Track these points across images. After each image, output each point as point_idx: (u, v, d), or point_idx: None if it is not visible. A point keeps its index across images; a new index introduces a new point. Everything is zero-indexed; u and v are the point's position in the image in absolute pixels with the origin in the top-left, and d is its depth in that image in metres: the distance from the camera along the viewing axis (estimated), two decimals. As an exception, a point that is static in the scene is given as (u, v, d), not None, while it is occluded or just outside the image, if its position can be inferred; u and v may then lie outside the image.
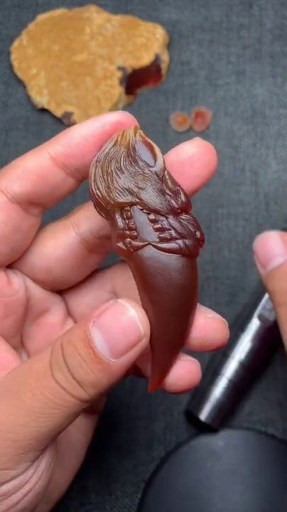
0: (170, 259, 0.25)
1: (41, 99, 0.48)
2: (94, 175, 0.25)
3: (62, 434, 0.32)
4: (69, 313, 0.32)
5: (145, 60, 0.49)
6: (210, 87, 0.49)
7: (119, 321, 0.24)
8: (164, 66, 0.49)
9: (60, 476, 0.31)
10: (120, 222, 0.25)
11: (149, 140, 0.25)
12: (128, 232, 0.24)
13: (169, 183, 0.25)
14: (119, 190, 0.24)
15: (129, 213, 0.24)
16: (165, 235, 0.24)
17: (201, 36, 0.51)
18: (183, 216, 0.25)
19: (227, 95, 0.49)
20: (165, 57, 0.49)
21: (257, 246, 0.33)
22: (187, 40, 0.50)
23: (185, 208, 0.25)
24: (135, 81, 0.49)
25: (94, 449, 0.39)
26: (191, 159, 0.26)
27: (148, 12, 0.51)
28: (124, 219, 0.25)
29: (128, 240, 0.24)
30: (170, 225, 0.24)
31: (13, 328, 0.30)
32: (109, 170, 0.25)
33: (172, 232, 0.24)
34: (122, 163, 0.25)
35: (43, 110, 0.49)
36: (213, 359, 0.42)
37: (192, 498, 0.37)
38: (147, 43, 0.49)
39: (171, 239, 0.24)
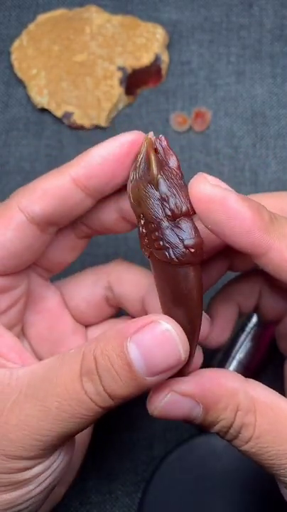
0: (166, 268, 0.25)
1: (41, 100, 0.48)
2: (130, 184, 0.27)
3: None
4: (66, 306, 0.33)
5: (146, 60, 0.49)
6: (210, 87, 0.49)
7: (159, 341, 0.24)
8: (164, 66, 0.49)
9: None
10: (139, 228, 0.26)
11: (150, 149, 0.26)
12: (142, 238, 0.26)
13: (163, 189, 0.25)
14: (134, 201, 0.26)
15: (142, 221, 0.26)
16: (159, 243, 0.25)
17: (201, 36, 0.51)
18: (181, 222, 0.25)
19: (227, 95, 0.49)
20: (165, 58, 0.49)
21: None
22: (187, 41, 0.50)
23: (176, 214, 0.25)
24: (135, 81, 0.49)
25: (94, 449, 0.39)
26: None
27: (148, 12, 0.51)
28: (139, 227, 0.26)
29: (144, 244, 0.26)
30: (161, 234, 0.25)
31: (17, 317, 0.31)
32: (132, 183, 0.26)
33: (162, 241, 0.25)
34: (138, 177, 0.26)
35: (43, 110, 0.49)
36: (213, 359, 0.42)
37: (192, 498, 0.37)
38: (147, 43, 0.49)
39: (161, 248, 0.25)
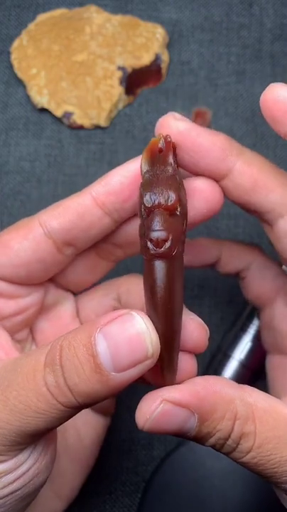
0: (144, 264, 0.25)
1: (41, 99, 0.48)
2: None
3: (71, 431, 0.32)
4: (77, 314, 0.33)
5: (146, 59, 0.49)
6: (210, 87, 0.49)
7: (128, 334, 0.23)
8: (164, 66, 0.49)
9: (69, 470, 0.31)
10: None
11: (147, 149, 0.26)
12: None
13: (143, 186, 0.25)
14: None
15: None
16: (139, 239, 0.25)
17: (201, 36, 0.51)
18: (153, 215, 0.24)
19: (227, 95, 0.49)
20: (165, 57, 0.49)
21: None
22: (188, 40, 0.50)
23: (148, 208, 0.24)
24: (135, 81, 0.49)
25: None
26: (192, 190, 0.27)
27: (148, 12, 0.51)
28: None
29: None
30: (138, 229, 0.25)
31: (23, 323, 0.31)
32: None
33: (139, 236, 0.25)
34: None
35: (43, 110, 0.49)
36: (213, 359, 0.42)
37: (192, 498, 0.37)
38: (147, 42, 0.49)
39: (139, 243, 0.25)
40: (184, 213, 0.25)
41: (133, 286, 0.32)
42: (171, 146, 0.26)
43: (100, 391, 0.23)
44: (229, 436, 0.24)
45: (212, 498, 0.37)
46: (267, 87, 0.26)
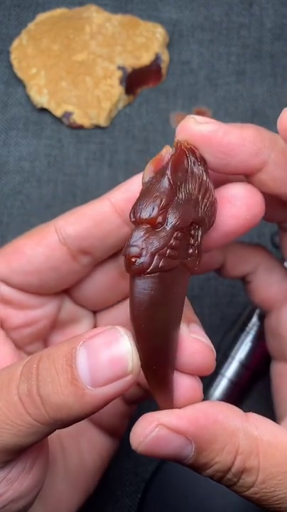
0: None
1: (41, 99, 0.48)
2: None
3: (73, 452, 0.30)
4: None
5: (146, 59, 0.49)
6: (210, 87, 0.49)
7: (110, 349, 0.22)
8: (164, 66, 0.49)
9: (68, 493, 0.30)
10: None
11: (152, 159, 0.24)
12: None
13: (139, 197, 0.24)
14: None
15: None
16: None
17: (201, 36, 0.50)
18: (135, 228, 0.23)
19: (227, 95, 0.49)
20: (165, 57, 0.49)
21: None
22: (188, 40, 0.50)
23: (133, 221, 0.23)
24: (135, 81, 0.49)
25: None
26: (232, 197, 0.25)
27: (148, 11, 0.51)
28: None
29: None
30: None
31: (33, 335, 0.29)
32: None
33: None
34: None
35: (43, 110, 0.49)
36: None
37: (192, 498, 0.37)
38: (147, 42, 0.49)
39: None
40: (178, 226, 0.23)
41: None
42: (183, 154, 0.24)
43: (73, 406, 0.21)
44: (229, 469, 0.23)
45: (212, 498, 0.37)
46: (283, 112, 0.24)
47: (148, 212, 0.23)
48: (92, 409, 0.22)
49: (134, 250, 0.22)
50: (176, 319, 0.24)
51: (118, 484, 0.40)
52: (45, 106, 0.48)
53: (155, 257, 0.22)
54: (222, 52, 0.50)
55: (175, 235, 0.23)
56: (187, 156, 0.24)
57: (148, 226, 0.23)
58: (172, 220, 0.23)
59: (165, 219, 0.23)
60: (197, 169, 0.24)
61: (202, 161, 0.24)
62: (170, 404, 0.24)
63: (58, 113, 0.48)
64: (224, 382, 0.40)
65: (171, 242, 0.23)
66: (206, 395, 0.40)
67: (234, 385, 0.40)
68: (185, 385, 0.24)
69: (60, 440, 0.30)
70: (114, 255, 0.29)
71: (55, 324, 0.30)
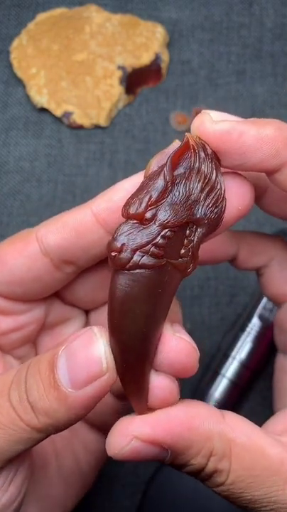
0: None
1: (41, 99, 0.48)
2: None
3: (66, 453, 0.30)
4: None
5: (146, 59, 0.49)
6: (210, 87, 0.49)
7: (85, 350, 0.22)
8: (164, 65, 0.49)
9: (62, 494, 0.30)
10: None
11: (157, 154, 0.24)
12: None
13: (136, 192, 0.23)
14: None
15: None
16: None
17: (201, 35, 0.50)
18: (119, 225, 0.23)
19: (227, 95, 0.49)
20: (165, 57, 0.49)
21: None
22: (188, 40, 0.50)
23: (123, 214, 0.23)
24: (135, 80, 0.49)
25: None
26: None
27: (148, 11, 0.51)
28: None
29: None
30: None
31: (21, 340, 0.29)
32: None
33: None
34: None
35: (43, 110, 0.49)
36: (213, 359, 0.42)
37: (193, 499, 0.37)
38: (147, 42, 0.49)
39: None
40: (167, 224, 0.22)
41: None
42: (186, 151, 0.23)
43: (59, 410, 0.22)
44: (203, 470, 0.23)
45: (212, 499, 0.37)
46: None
47: (135, 207, 0.22)
48: (77, 412, 0.22)
49: (115, 245, 0.22)
50: (156, 319, 0.23)
51: (118, 485, 0.40)
52: (45, 106, 0.48)
53: (137, 253, 0.22)
54: (222, 52, 0.50)
55: (163, 233, 0.22)
56: (195, 152, 0.23)
57: (135, 222, 0.22)
58: (162, 217, 0.22)
59: (154, 215, 0.22)
60: (206, 166, 0.23)
61: (214, 158, 0.23)
62: (142, 404, 0.23)
63: (58, 113, 0.48)
64: (224, 382, 0.40)
65: (157, 240, 0.22)
66: (206, 395, 0.40)
67: (234, 385, 0.40)
68: (161, 385, 0.23)
69: (53, 442, 0.30)
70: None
71: (45, 326, 0.30)
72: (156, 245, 0.22)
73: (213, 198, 0.23)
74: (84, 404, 0.22)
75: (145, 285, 0.22)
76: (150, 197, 0.22)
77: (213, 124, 0.23)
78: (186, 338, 0.23)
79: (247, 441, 0.23)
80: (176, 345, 0.23)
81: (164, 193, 0.22)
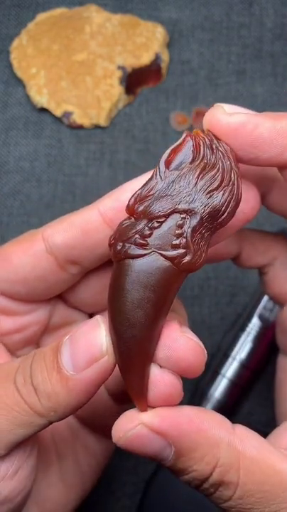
0: None
1: (41, 99, 0.48)
2: None
3: (68, 456, 0.30)
4: None
5: (146, 59, 0.49)
6: (210, 87, 0.49)
7: (87, 335, 0.23)
8: (164, 65, 0.49)
9: (61, 494, 0.30)
10: None
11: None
12: None
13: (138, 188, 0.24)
14: None
15: None
16: None
17: (201, 35, 0.50)
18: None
19: (228, 95, 0.49)
20: (165, 57, 0.49)
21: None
22: (188, 40, 0.50)
23: (126, 211, 0.23)
24: (135, 80, 0.49)
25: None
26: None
27: (148, 11, 0.51)
28: None
29: None
30: None
31: (23, 341, 0.29)
32: None
33: None
34: None
35: (43, 110, 0.49)
36: (213, 359, 0.42)
37: (192, 499, 0.37)
38: (147, 42, 0.49)
39: None
40: (153, 215, 0.23)
41: None
42: (182, 146, 0.23)
43: (60, 392, 0.23)
44: (207, 479, 0.23)
45: (212, 498, 0.37)
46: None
47: (129, 202, 0.23)
48: (78, 395, 0.23)
49: (110, 238, 0.23)
50: (150, 312, 0.23)
51: (118, 484, 0.40)
52: (45, 106, 0.48)
53: (125, 244, 0.23)
54: (222, 52, 0.50)
55: (149, 224, 0.23)
56: (199, 146, 0.23)
57: (131, 216, 0.23)
58: (149, 209, 0.23)
59: (144, 209, 0.23)
60: (209, 158, 0.23)
61: (226, 151, 0.23)
62: (143, 401, 0.23)
63: (58, 113, 0.48)
64: (224, 382, 0.40)
65: (142, 230, 0.23)
66: (206, 395, 0.40)
67: (234, 385, 0.40)
68: (166, 381, 0.23)
69: (55, 445, 0.30)
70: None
71: (48, 328, 0.30)
72: (141, 235, 0.23)
73: (213, 184, 0.23)
74: (85, 387, 0.23)
75: (131, 274, 0.23)
76: (140, 193, 0.23)
77: (227, 116, 0.23)
78: (195, 339, 0.23)
79: (257, 455, 0.23)
80: (185, 343, 0.23)
81: (153, 187, 0.23)
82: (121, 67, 0.48)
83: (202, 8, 0.51)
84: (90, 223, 0.26)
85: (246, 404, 0.41)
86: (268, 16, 0.51)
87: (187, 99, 0.49)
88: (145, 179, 0.24)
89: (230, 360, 0.40)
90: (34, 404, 0.23)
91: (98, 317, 0.24)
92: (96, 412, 0.29)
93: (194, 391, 0.41)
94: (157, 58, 0.49)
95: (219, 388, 0.40)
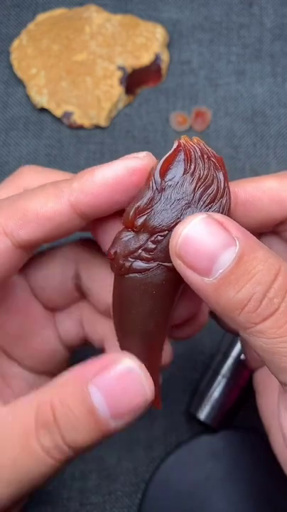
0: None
1: (41, 99, 0.48)
2: None
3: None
4: (33, 293, 0.30)
5: (145, 59, 0.49)
6: (210, 87, 0.49)
7: (123, 383, 0.22)
8: (164, 66, 0.49)
9: None
10: None
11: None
12: None
13: (132, 200, 0.24)
14: None
15: None
16: None
17: (201, 36, 0.50)
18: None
19: (227, 95, 0.49)
20: (165, 57, 0.49)
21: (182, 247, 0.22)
22: (188, 40, 0.50)
23: (123, 224, 0.24)
24: (135, 81, 0.49)
25: (94, 450, 0.39)
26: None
27: (148, 11, 0.51)
28: None
29: None
30: None
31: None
32: None
33: None
34: None
35: (43, 110, 0.49)
36: (213, 359, 0.42)
37: (192, 499, 0.37)
38: (147, 42, 0.49)
39: None
40: (156, 229, 0.23)
41: (92, 260, 0.28)
42: (176, 155, 0.24)
43: (100, 439, 0.23)
44: (271, 287, 0.21)
45: (212, 498, 0.37)
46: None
47: (126, 216, 0.23)
48: (117, 432, 0.23)
49: (110, 252, 0.24)
50: (163, 317, 0.24)
51: (118, 484, 0.40)
52: (45, 106, 0.48)
53: (128, 259, 0.23)
54: (222, 52, 0.50)
55: (152, 238, 0.23)
56: (191, 156, 0.23)
57: (129, 229, 0.23)
58: (150, 223, 0.23)
59: (144, 222, 0.23)
60: (202, 167, 0.24)
61: (217, 161, 0.24)
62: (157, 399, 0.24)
63: (58, 113, 0.48)
64: (224, 382, 0.40)
65: (146, 245, 0.23)
66: (206, 395, 0.40)
67: (234, 385, 0.40)
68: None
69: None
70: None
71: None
72: (146, 250, 0.23)
73: (210, 196, 0.24)
74: (123, 428, 0.23)
75: (139, 288, 0.24)
76: (139, 205, 0.23)
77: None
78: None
79: None
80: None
81: (152, 200, 0.23)
82: (121, 68, 0.48)
83: (202, 9, 0.51)
84: (59, 215, 0.24)
85: (246, 404, 0.41)
86: (268, 16, 0.51)
87: (187, 99, 0.49)
88: (115, 167, 0.24)
89: (230, 360, 0.40)
90: (66, 458, 0.23)
91: (123, 358, 0.23)
92: (45, 358, 0.30)
93: (194, 391, 0.41)
94: (157, 58, 0.49)
95: (219, 388, 0.40)
